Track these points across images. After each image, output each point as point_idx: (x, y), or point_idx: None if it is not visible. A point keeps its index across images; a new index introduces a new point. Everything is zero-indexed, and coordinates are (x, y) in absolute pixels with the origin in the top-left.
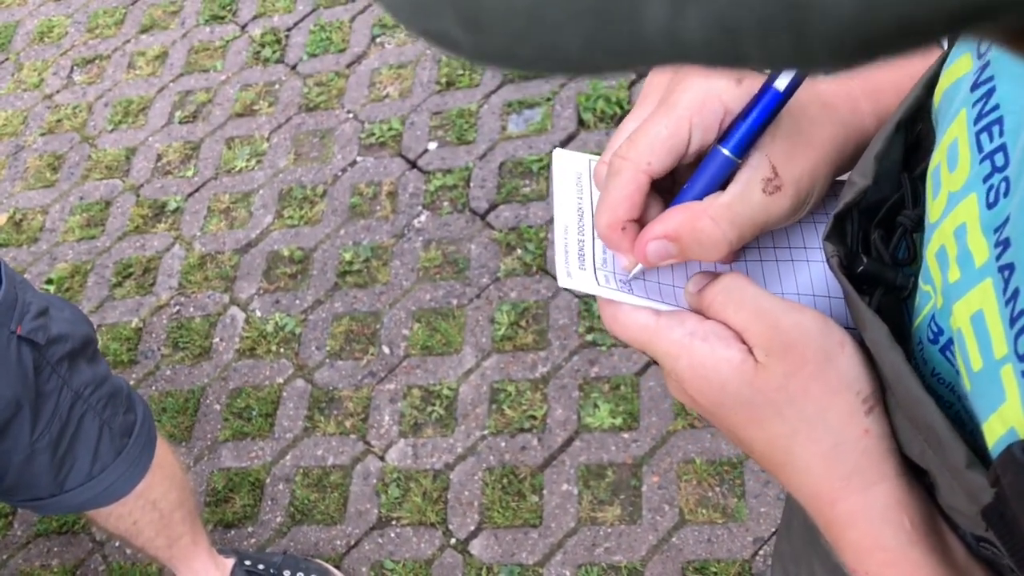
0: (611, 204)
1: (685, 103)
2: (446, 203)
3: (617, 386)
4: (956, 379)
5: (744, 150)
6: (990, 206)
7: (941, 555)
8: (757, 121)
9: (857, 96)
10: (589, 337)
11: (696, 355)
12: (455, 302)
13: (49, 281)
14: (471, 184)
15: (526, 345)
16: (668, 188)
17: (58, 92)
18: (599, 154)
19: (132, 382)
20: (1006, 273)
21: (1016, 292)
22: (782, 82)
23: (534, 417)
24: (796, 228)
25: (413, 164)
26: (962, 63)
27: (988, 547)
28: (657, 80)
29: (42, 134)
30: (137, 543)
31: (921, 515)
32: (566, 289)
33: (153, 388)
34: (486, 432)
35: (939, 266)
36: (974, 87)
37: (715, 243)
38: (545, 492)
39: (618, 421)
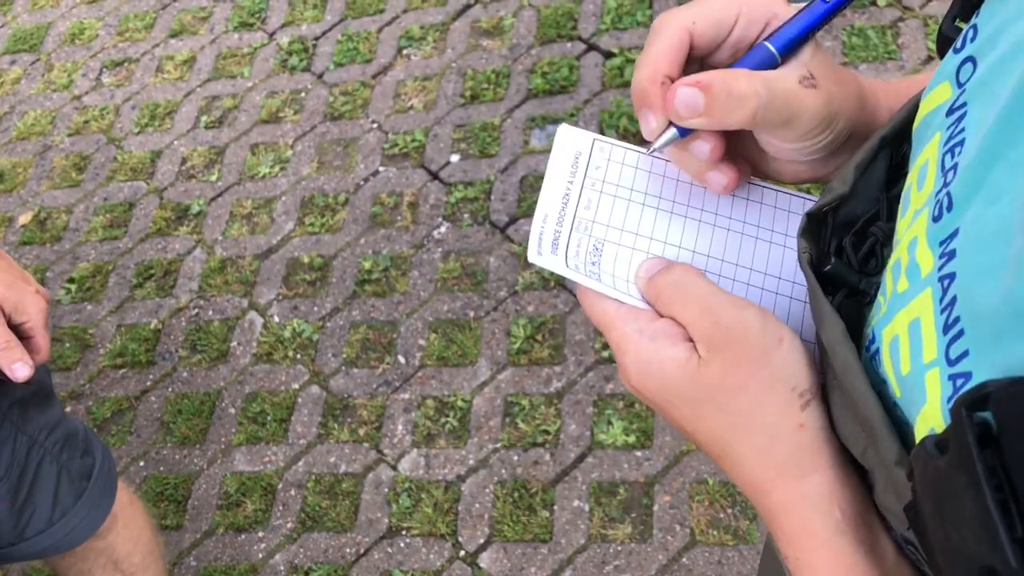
0: (652, 58)
1: None
2: (466, 215)
3: (631, 403)
4: (887, 388)
5: (787, 51)
6: (935, 219)
7: (869, 548)
8: (804, 26)
9: (878, 92)
10: (605, 353)
11: (643, 352)
12: (472, 314)
13: (71, 280)
14: (492, 197)
15: (541, 359)
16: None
17: (87, 93)
18: (607, 136)
19: (149, 383)
20: (946, 282)
21: (953, 300)
22: None
23: (547, 432)
24: (771, 212)
25: (435, 176)
26: (941, 91)
27: (913, 550)
28: None
29: (69, 134)
30: None
31: (854, 508)
32: (534, 264)
33: (169, 390)
34: (499, 445)
35: (892, 278)
36: (949, 112)
37: (745, 97)
38: (556, 507)
39: (631, 439)
